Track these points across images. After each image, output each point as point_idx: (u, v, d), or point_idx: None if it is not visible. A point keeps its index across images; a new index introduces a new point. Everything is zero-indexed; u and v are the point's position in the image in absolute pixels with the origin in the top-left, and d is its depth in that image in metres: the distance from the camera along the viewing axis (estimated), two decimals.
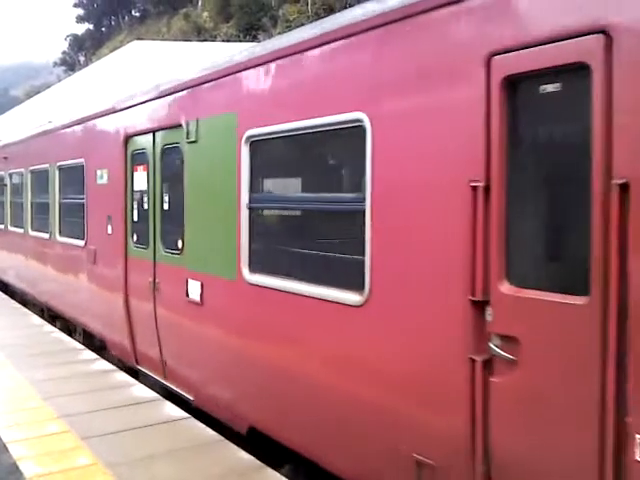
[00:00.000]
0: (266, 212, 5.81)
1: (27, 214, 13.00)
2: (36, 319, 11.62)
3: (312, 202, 5.13)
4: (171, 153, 7.11)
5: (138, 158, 7.83)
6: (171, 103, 7.02)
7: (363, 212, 4.27)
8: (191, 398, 6.63)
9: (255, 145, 5.55)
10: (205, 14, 66.30)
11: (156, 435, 5.80)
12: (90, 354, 8.91)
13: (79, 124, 10.01)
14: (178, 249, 6.85)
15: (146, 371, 7.74)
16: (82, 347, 9.35)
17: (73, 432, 5.81)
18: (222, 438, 5.74)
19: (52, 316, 11.83)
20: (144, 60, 35.65)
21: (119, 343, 8.48)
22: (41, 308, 12.57)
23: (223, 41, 49.66)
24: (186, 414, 6.36)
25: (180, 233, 6.76)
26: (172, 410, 6.48)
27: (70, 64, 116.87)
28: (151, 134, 7.43)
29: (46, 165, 11.46)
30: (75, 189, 10.23)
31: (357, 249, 4.39)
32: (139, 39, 48.51)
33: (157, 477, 4.91)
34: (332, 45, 4.66)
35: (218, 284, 6.06)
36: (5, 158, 14.76)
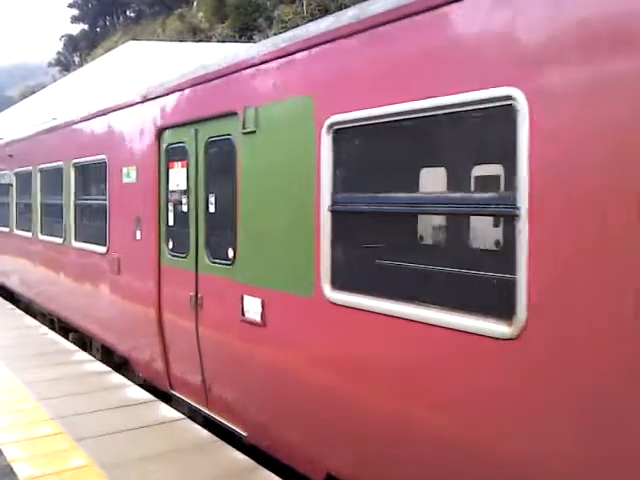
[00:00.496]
0: (359, 216, 4.63)
1: (36, 216, 11.95)
2: (30, 320, 11.58)
3: (431, 204, 4.10)
4: (219, 146, 6.15)
5: (175, 153, 6.84)
6: (221, 88, 5.96)
7: (514, 216, 3.32)
8: (244, 434, 5.71)
9: (342, 134, 4.53)
10: (200, 14, 66.23)
11: (151, 436, 5.79)
12: (84, 355, 8.89)
13: (100, 116, 8.88)
14: (228, 259, 5.86)
15: (182, 397, 6.77)
16: (76, 348, 9.33)
17: (67, 433, 5.80)
18: (217, 439, 5.73)
19: (63, 328, 10.92)
20: (139, 60, 35.59)
21: (148, 364, 7.52)
22: (51, 319, 11.61)
23: (218, 41, 49.62)
24: (181, 415, 6.35)
25: (231, 240, 5.78)
26: (167, 411, 6.47)
27: (65, 64, 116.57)
28: (193, 125, 6.45)
29: (59, 163, 10.42)
30: (94, 189, 9.44)
31: (503, 262, 3.48)
32: (134, 39, 48.43)
33: (152, 478, 4.90)
34: None
35: (286, 302, 5.01)
36: (10, 156, 13.78)
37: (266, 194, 5.29)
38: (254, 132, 5.42)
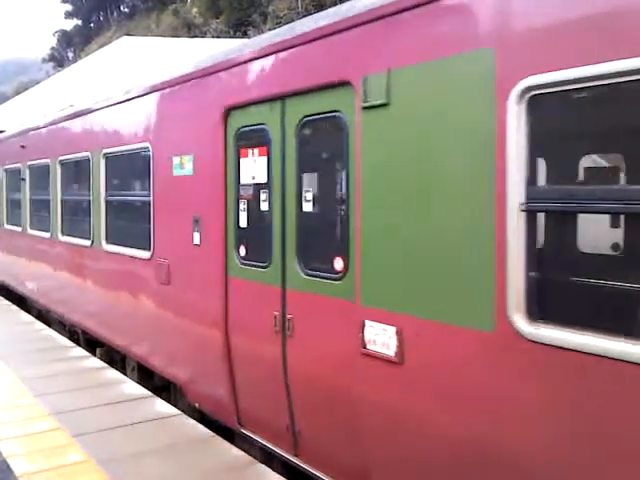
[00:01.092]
0: (579, 218, 3.46)
1: (55, 215, 10.54)
2: (27, 316, 11.57)
3: None
4: (320, 127, 4.91)
5: (249, 137, 5.51)
6: (324, 51, 4.63)
7: None
8: None
9: (543, 102, 3.22)
10: (194, 10, 66.02)
11: (148, 432, 5.81)
12: (81, 351, 8.89)
13: (142, 97, 7.44)
14: (335, 271, 4.58)
15: (255, 437, 5.55)
16: (72, 344, 9.33)
17: (64, 429, 5.81)
18: (213, 434, 5.76)
19: (89, 340, 9.58)
20: (133, 56, 35.48)
21: (207, 393, 6.25)
22: (71, 329, 10.40)
23: (213, 37, 49.49)
24: (177, 411, 6.37)
25: (339, 247, 4.56)
26: (163, 407, 6.48)
27: (59, 60, 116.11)
28: (276, 102, 5.09)
29: (85, 154, 9.06)
30: (132, 183, 8.23)
31: None
32: (128, 35, 48.26)
33: (149, 473, 4.92)
34: None
35: (442, 335, 3.70)
36: (23, 147, 12.24)
37: (405, 188, 3.99)
38: (384, 106, 4.12)
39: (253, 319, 5.40)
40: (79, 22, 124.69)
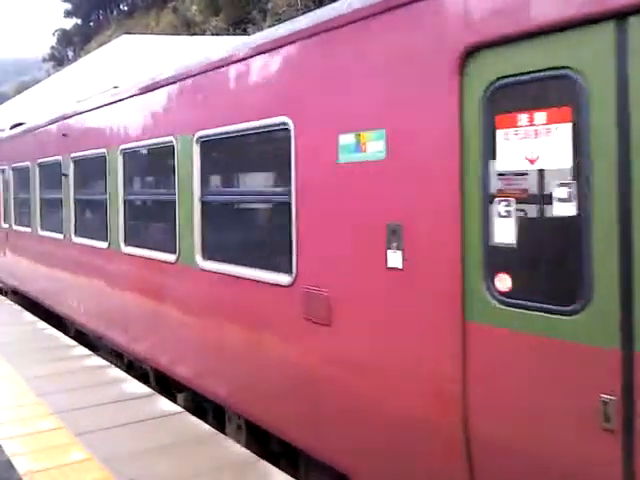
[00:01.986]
0: None
1: (116, 219, 8.29)
2: (29, 316, 11.58)
3: None
4: None
5: (523, 94, 3.42)
6: None
7: None
8: None
9: None
10: (194, 8, 65.94)
11: (151, 430, 5.82)
12: (83, 350, 8.90)
13: (270, 52, 5.28)
14: None
15: None
16: (75, 343, 9.33)
17: (67, 428, 5.82)
18: (217, 432, 5.76)
19: (160, 378, 7.54)
20: (133, 54, 35.45)
21: None
22: (132, 362, 8.43)
23: (212, 35, 49.45)
24: (180, 409, 6.38)
25: None
26: (166, 405, 6.49)
27: (59, 59, 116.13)
28: (605, 24, 3.00)
29: (164, 140, 6.91)
30: (251, 176, 6.26)
31: None
32: (128, 33, 48.21)
33: (153, 471, 4.93)
34: None
35: None
36: (65, 135, 10.10)
37: None
38: None
39: (534, 400, 3.29)
40: (79, 21, 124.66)
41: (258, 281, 5.40)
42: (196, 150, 6.34)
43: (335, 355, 4.56)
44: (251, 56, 5.50)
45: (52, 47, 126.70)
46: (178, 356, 6.83)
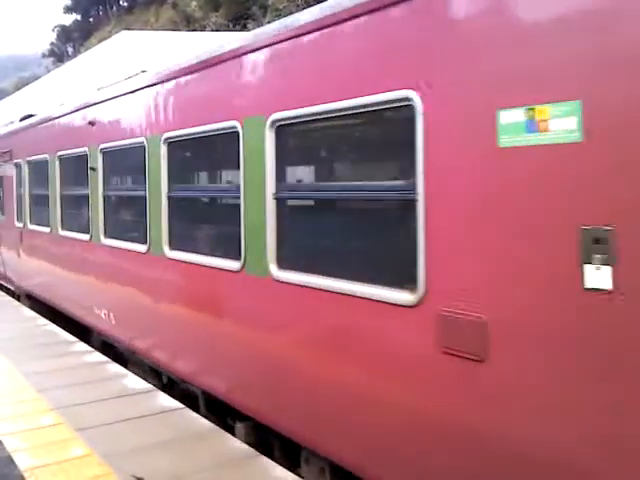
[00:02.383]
0: None
1: (157, 219, 6.99)
2: (28, 312, 11.58)
3: None
4: None
5: None
6: None
7: None
8: None
9: None
10: (194, 3, 65.79)
11: (151, 426, 5.82)
12: (83, 346, 8.90)
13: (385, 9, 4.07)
14: None
15: None
16: (75, 339, 9.33)
17: (67, 424, 5.82)
18: (217, 428, 5.77)
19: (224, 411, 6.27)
20: (133, 50, 35.40)
21: None
22: (168, 380, 7.37)
23: (212, 31, 49.37)
24: (180, 404, 6.38)
25: None
26: (166, 401, 6.49)
27: (58, 55, 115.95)
28: None
29: (226, 125, 5.69)
30: (353, 167, 5.02)
31: None
32: (127, 29, 48.13)
33: (153, 467, 4.93)
34: None
35: None
36: (92, 124, 8.89)
37: None
38: None
39: None
40: (78, 17, 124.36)
41: (367, 298, 4.22)
42: (270, 137, 5.12)
43: (490, 398, 3.44)
44: (347, 19, 4.35)
45: (52, 43, 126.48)
46: (242, 381, 5.65)
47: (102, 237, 8.68)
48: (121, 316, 8.19)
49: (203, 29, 53.82)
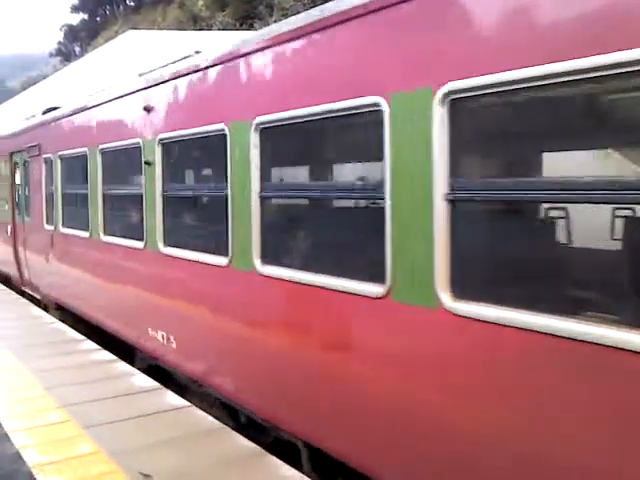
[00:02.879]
0: None
1: (243, 225, 5.56)
2: (36, 310, 11.62)
3: None
4: None
5: None
6: None
7: None
8: None
9: None
10: (200, 3, 65.87)
11: (158, 423, 5.84)
12: (91, 344, 8.93)
13: None
14: None
15: None
16: (83, 337, 9.36)
17: (75, 421, 5.85)
18: (223, 426, 5.78)
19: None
20: (139, 50, 35.49)
21: None
22: (247, 419, 6.05)
23: (219, 30, 49.43)
24: (187, 402, 6.40)
25: None
26: (173, 399, 6.51)
27: (66, 54, 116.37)
28: None
29: (370, 100, 4.18)
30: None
31: None
32: (134, 29, 48.26)
33: (160, 465, 4.95)
34: None
35: None
36: (148, 110, 7.37)
37: None
38: None
39: None
40: (85, 16, 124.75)
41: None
42: (440, 116, 3.67)
43: None
44: None
45: (59, 42, 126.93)
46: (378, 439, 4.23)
47: (161, 245, 7.14)
48: (187, 341, 6.76)
49: (210, 28, 53.89)
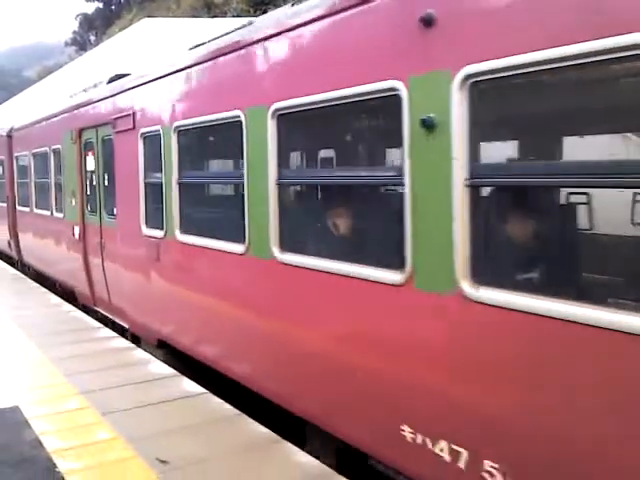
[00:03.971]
0: None
1: (452, 229, 3.67)
2: (55, 298, 11.75)
3: None
4: None
5: None
6: None
7: None
8: None
9: None
10: None
11: (175, 410, 5.89)
12: (109, 332, 9.02)
13: None
14: None
15: None
16: (100, 325, 9.46)
17: (94, 408, 5.92)
18: (240, 413, 5.81)
19: None
20: (154, 37, 35.48)
21: None
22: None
23: (233, 16, 49.25)
24: (203, 389, 6.44)
25: None
26: (190, 386, 6.56)
27: (81, 44, 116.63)
28: None
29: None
30: None
31: None
32: (149, 16, 48.21)
33: (178, 451, 5.00)
34: None
35: None
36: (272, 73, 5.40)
37: None
38: None
39: None
40: (100, 5, 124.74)
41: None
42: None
43: None
44: None
45: (74, 31, 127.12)
46: None
47: (276, 251, 5.30)
48: (302, 376, 5.20)
49: (224, 15, 53.71)
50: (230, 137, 6.15)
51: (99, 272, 9.91)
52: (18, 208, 15.85)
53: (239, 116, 5.73)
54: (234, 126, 5.77)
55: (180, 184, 7.10)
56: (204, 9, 63.03)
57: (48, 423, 5.58)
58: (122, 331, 9.21)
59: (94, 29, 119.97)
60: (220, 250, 6.23)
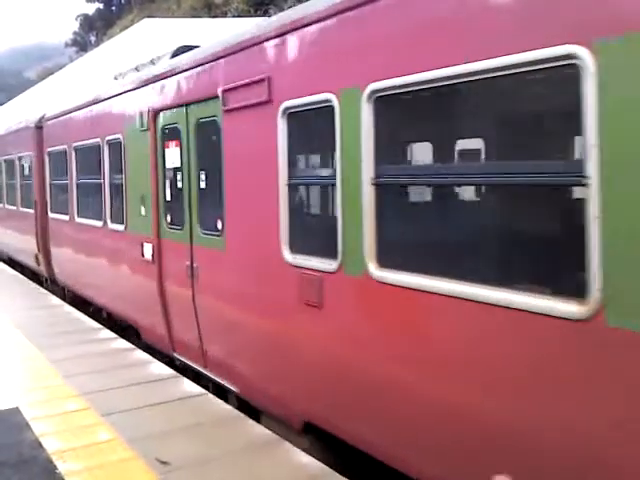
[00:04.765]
0: None
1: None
2: (55, 299, 11.74)
3: None
4: None
5: None
6: None
7: None
8: None
9: None
10: None
11: (175, 411, 5.88)
12: (109, 333, 9.01)
13: None
14: None
15: None
16: (100, 326, 9.45)
17: (93, 409, 5.91)
18: (240, 413, 5.81)
19: None
20: (155, 38, 35.51)
21: None
22: None
23: (234, 17, 49.27)
24: (203, 390, 6.44)
25: None
26: (190, 387, 6.55)
27: (82, 44, 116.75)
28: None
29: None
30: None
31: None
32: (149, 17, 48.25)
33: (178, 451, 4.99)
34: None
35: None
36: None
37: None
38: None
39: None
40: (101, 5, 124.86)
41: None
42: None
43: None
44: None
45: (75, 32, 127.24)
46: None
47: (374, 269, 4.32)
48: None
49: (224, 16, 53.73)
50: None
51: (185, 308, 7.05)
52: (51, 215, 12.75)
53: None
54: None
55: (377, 185, 4.32)
56: (204, 9, 63.02)
57: (48, 424, 5.57)
58: (191, 373, 7.11)
59: (95, 30, 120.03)
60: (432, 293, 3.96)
